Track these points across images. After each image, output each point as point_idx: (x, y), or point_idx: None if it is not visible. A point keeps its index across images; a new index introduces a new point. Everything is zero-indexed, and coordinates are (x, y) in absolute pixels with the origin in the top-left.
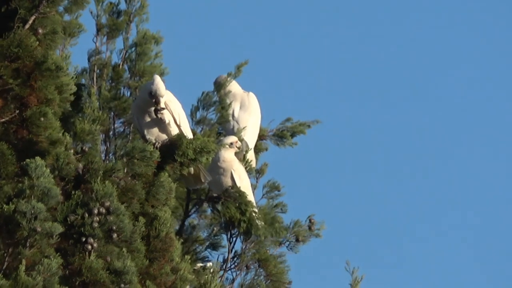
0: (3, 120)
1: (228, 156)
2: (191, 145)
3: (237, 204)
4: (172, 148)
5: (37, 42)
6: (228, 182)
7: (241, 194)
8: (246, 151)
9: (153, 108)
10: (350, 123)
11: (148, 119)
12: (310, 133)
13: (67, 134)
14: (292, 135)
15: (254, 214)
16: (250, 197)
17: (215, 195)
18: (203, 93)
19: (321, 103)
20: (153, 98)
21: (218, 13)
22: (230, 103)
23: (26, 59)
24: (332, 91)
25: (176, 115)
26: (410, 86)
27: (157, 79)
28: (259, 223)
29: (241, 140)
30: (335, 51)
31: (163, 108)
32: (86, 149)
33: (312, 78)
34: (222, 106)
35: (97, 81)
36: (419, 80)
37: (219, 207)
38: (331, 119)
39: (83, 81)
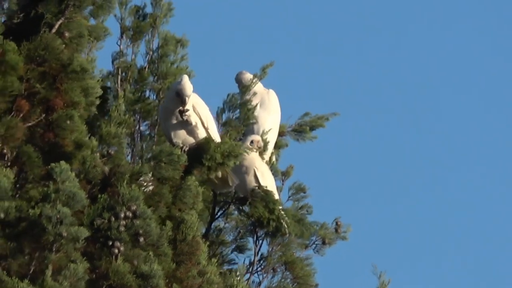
0: (30, 124)
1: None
2: (219, 149)
3: (264, 203)
4: (200, 152)
5: (63, 46)
6: (253, 182)
7: (268, 193)
8: (272, 153)
9: (179, 109)
10: (372, 116)
11: (175, 122)
12: (329, 125)
13: (93, 137)
14: (311, 129)
15: (282, 212)
16: (277, 195)
17: (241, 196)
18: (228, 95)
19: (339, 96)
20: (179, 97)
21: (239, 12)
22: (256, 105)
23: (52, 62)
24: (350, 83)
25: (203, 118)
26: (436, 74)
27: (185, 78)
28: (288, 220)
29: (264, 141)
30: (353, 41)
31: (188, 110)
32: (112, 152)
33: (329, 70)
34: (248, 108)
35: (122, 84)
36: (445, 68)
37: (246, 208)
38: (351, 111)
39: (108, 84)
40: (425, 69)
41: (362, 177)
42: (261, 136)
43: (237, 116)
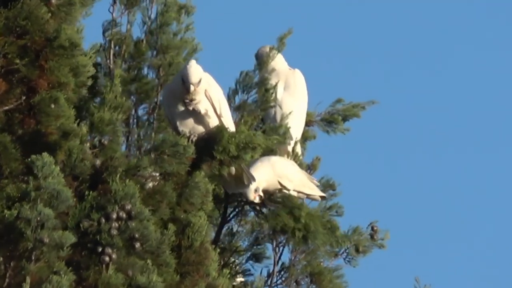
0: (7, 107)
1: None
2: (233, 139)
3: (288, 210)
4: (211, 143)
5: (49, 15)
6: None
7: (288, 198)
8: (295, 144)
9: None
10: (414, 105)
11: (182, 108)
12: (365, 116)
13: (82, 124)
14: (344, 119)
15: (310, 216)
16: (311, 189)
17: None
18: (241, 73)
19: (377, 81)
20: (184, 84)
21: None
22: (276, 84)
23: (35, 34)
24: (390, 66)
25: (216, 103)
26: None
27: (192, 62)
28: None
29: (287, 129)
30: (394, 19)
31: (193, 100)
32: (105, 142)
33: (366, 50)
34: (266, 88)
35: (115, 59)
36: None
37: (266, 214)
38: (391, 99)
39: (98, 59)
40: (479, 56)
41: (403, 175)
42: (281, 120)
43: (255, 99)
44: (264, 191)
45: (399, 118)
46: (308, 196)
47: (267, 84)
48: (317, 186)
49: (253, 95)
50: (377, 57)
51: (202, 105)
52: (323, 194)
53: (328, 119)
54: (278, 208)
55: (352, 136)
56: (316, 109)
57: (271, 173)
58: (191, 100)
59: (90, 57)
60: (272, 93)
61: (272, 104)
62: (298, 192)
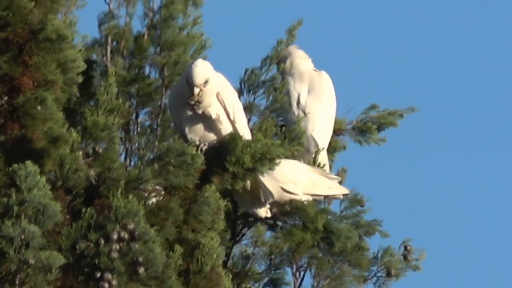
0: None
1: None
2: (248, 149)
3: (301, 224)
4: (222, 153)
5: (33, 4)
6: (284, 195)
7: (300, 208)
8: (317, 152)
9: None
10: (461, 113)
11: (190, 112)
12: (403, 125)
13: (73, 129)
14: (379, 128)
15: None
16: (329, 188)
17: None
18: (246, 70)
19: (417, 85)
20: (189, 85)
21: None
22: (285, 79)
23: (17, 26)
24: (433, 67)
25: (229, 107)
26: None
27: (198, 61)
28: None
29: (302, 133)
30: (437, 16)
31: (198, 102)
32: (100, 150)
33: (405, 50)
34: (274, 86)
35: (112, 57)
36: None
37: (281, 231)
38: (433, 105)
39: (94, 56)
40: None
41: (440, 190)
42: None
43: (262, 99)
44: (273, 204)
45: (442, 128)
46: (327, 197)
47: (275, 83)
48: (336, 179)
49: (262, 96)
50: (417, 58)
51: (213, 109)
52: (345, 191)
53: (360, 128)
54: (291, 222)
55: (387, 148)
56: (346, 116)
57: (270, 181)
58: (197, 103)
59: (80, 50)
60: (280, 92)
61: (284, 104)
62: (312, 195)
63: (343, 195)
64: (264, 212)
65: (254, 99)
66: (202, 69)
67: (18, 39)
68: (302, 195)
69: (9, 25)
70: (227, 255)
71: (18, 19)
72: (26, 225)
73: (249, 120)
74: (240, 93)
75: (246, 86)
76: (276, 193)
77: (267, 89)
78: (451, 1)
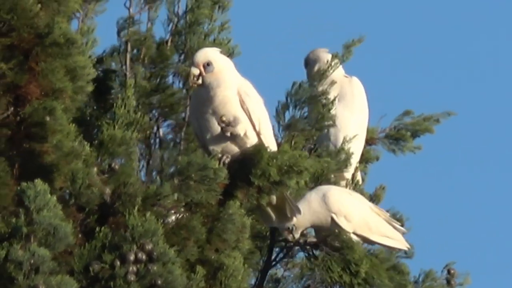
0: None
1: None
2: (274, 161)
3: (343, 264)
4: (247, 166)
5: (39, 6)
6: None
7: (351, 246)
8: (356, 169)
9: (220, 119)
10: (502, 118)
11: (213, 121)
12: (440, 131)
13: (88, 143)
14: (414, 135)
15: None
16: (389, 238)
17: (312, 240)
18: (294, 84)
19: (454, 88)
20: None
21: None
22: (334, 99)
23: (23, 30)
24: (470, 69)
25: (255, 118)
26: None
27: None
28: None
29: (349, 154)
30: (472, 18)
31: (231, 122)
32: (117, 166)
33: (439, 52)
34: (323, 103)
35: (132, 65)
36: None
37: (318, 260)
38: (472, 109)
39: (113, 65)
40: None
41: (485, 204)
42: (342, 144)
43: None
44: (318, 230)
45: (483, 133)
46: (382, 245)
47: (324, 98)
48: (401, 230)
49: (307, 112)
50: (452, 60)
51: (241, 127)
52: (405, 247)
53: (394, 136)
54: (331, 256)
55: (423, 156)
56: (379, 124)
57: (321, 207)
58: (230, 124)
59: (90, 56)
60: (329, 110)
61: (329, 122)
62: (364, 239)
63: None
64: (295, 233)
65: (300, 115)
66: (207, 51)
67: (24, 45)
68: (352, 234)
69: (13, 30)
70: (261, 282)
71: (23, 23)
72: (35, 248)
73: (293, 137)
74: (285, 107)
75: (293, 100)
76: (326, 223)
77: (315, 105)
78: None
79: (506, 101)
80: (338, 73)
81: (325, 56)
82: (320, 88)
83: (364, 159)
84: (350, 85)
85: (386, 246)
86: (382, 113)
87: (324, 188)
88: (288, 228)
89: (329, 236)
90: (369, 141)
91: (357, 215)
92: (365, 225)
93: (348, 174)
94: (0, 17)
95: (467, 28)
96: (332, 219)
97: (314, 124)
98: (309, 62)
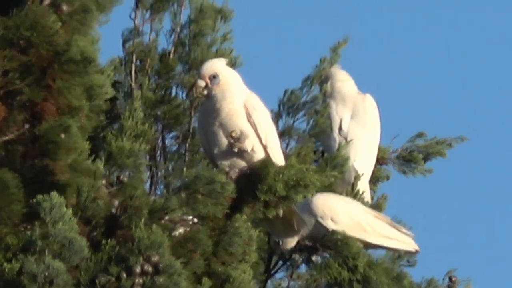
0: (7, 138)
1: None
2: (281, 176)
3: (341, 259)
4: (254, 180)
5: (59, 24)
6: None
7: (346, 242)
8: (356, 178)
9: (229, 135)
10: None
11: (220, 134)
12: (451, 155)
13: (98, 160)
14: (426, 158)
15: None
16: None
17: (308, 243)
18: (286, 91)
19: (468, 113)
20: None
21: None
22: (327, 103)
23: (41, 47)
24: (485, 94)
25: (261, 132)
26: None
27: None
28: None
29: (345, 160)
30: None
31: (239, 138)
32: (125, 178)
33: (453, 75)
34: (316, 109)
35: (137, 76)
36: None
37: (319, 259)
38: (484, 135)
39: (117, 76)
40: None
41: (490, 222)
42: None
43: (302, 122)
44: (310, 238)
45: (493, 159)
46: (384, 248)
47: (316, 104)
48: (408, 235)
49: (302, 119)
50: (469, 84)
51: (249, 142)
52: (414, 248)
53: (405, 157)
54: (329, 255)
55: (434, 179)
56: (391, 144)
57: (307, 217)
58: (238, 140)
59: (108, 75)
60: (322, 116)
61: (326, 128)
62: (362, 241)
63: (407, 251)
64: (298, 226)
65: (294, 122)
66: (214, 62)
67: (42, 62)
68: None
69: (32, 47)
70: None
71: (43, 40)
72: (50, 261)
73: (287, 145)
74: (278, 115)
75: (285, 108)
76: (313, 229)
77: (308, 111)
78: (501, 27)
79: None
80: (351, 91)
81: (338, 73)
82: (311, 95)
83: (374, 178)
84: (363, 102)
85: (390, 248)
86: (395, 133)
87: (310, 197)
88: (275, 241)
89: (323, 237)
90: (380, 161)
91: (344, 215)
92: (356, 225)
93: (361, 187)
94: (19, 34)
95: (488, 57)
96: (320, 223)
97: (309, 131)
98: (324, 79)
